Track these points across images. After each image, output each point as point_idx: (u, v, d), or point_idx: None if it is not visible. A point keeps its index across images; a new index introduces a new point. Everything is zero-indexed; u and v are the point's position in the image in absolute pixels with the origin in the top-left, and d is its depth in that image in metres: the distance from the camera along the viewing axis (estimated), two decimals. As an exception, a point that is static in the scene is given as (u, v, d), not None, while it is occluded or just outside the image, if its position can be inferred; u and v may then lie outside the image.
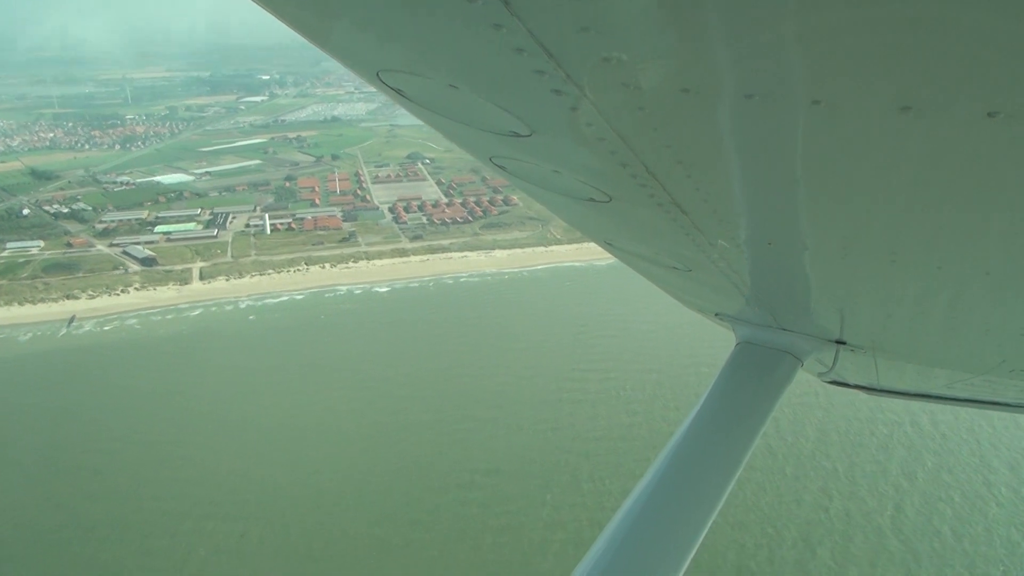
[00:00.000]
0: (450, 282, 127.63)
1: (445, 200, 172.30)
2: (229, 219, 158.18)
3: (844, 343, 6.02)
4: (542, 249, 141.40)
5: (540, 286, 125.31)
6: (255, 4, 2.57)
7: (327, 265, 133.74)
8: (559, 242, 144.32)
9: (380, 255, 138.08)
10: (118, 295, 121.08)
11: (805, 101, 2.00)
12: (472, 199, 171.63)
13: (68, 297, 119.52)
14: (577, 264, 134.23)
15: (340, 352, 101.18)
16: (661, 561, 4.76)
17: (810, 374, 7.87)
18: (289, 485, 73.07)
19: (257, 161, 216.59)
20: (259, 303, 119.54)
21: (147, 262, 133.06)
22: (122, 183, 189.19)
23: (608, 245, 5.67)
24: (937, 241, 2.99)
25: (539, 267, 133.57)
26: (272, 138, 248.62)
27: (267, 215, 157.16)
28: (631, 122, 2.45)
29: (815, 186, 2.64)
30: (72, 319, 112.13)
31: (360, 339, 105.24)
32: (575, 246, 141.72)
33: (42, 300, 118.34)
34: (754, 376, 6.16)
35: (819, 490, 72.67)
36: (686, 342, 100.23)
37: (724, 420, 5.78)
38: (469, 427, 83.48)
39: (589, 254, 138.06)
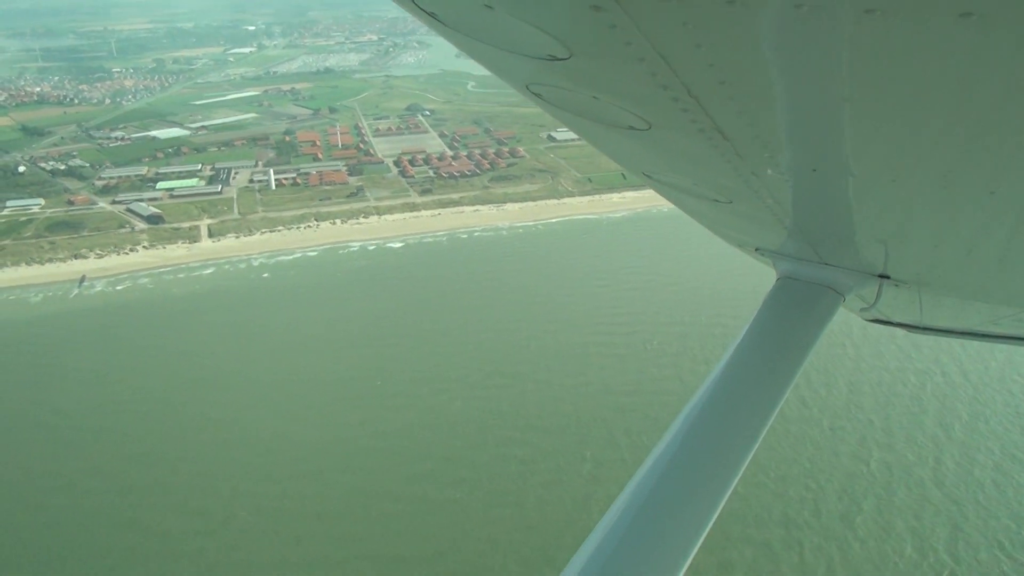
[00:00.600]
0: (464, 236, 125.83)
1: (451, 153, 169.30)
2: (232, 175, 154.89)
3: (888, 277, 5.98)
4: (554, 202, 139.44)
5: (556, 239, 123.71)
6: None
7: (337, 221, 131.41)
8: (571, 194, 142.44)
9: (390, 210, 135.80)
10: (127, 254, 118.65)
11: (858, 9, 1.87)
12: (478, 152, 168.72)
13: (76, 257, 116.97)
14: (591, 216, 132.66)
15: (360, 309, 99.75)
16: (697, 498, 4.76)
17: (850, 311, 7.80)
18: (325, 444, 72.31)
19: (253, 115, 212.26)
20: (272, 261, 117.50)
21: (153, 220, 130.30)
22: (117, 138, 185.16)
23: (647, 177, 5.49)
24: (993, 163, 2.82)
25: (553, 220, 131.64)
26: (266, 91, 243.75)
27: (271, 170, 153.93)
28: (673, 39, 2.35)
29: (864, 104, 2.52)
30: (83, 279, 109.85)
31: (379, 296, 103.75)
32: (587, 198, 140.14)
33: (49, 260, 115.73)
34: (795, 311, 6.07)
35: (857, 442, 72.68)
36: (708, 296, 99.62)
37: (764, 355, 5.71)
38: (500, 383, 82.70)
39: (602, 206, 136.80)
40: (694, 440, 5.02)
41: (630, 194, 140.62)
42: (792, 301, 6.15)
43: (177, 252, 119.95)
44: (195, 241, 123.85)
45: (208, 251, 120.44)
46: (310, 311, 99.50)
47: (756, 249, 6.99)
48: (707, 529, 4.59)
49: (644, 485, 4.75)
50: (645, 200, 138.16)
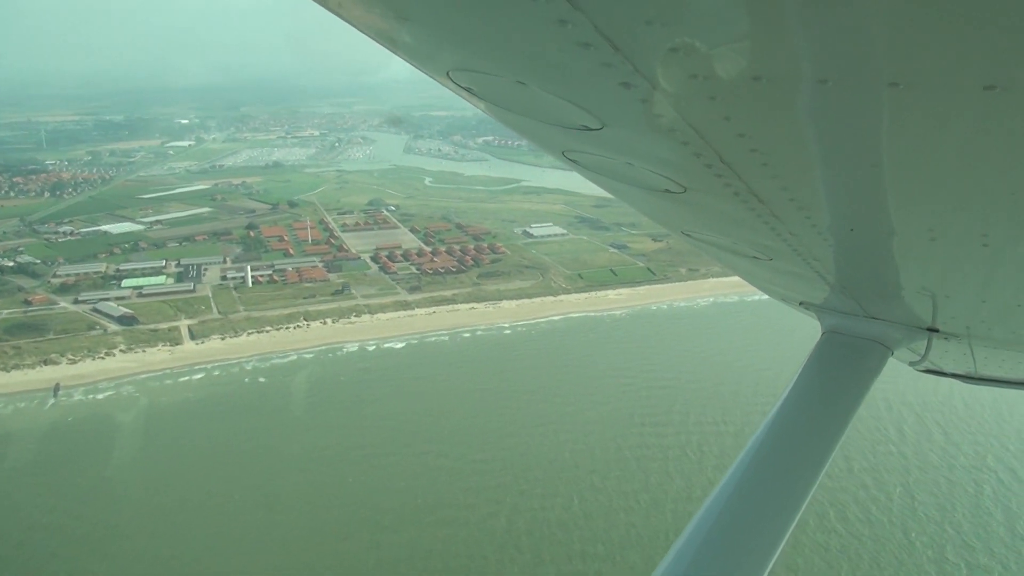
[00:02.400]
0: (467, 336, 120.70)
1: (429, 249, 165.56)
2: (202, 271, 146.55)
3: (937, 331, 5.90)
4: (551, 299, 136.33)
5: (562, 338, 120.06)
6: (326, 11, 2.64)
7: (328, 320, 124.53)
8: (566, 291, 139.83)
9: (382, 308, 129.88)
10: (103, 359, 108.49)
11: (882, 84, 1.93)
12: (457, 247, 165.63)
13: (45, 362, 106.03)
14: (591, 314, 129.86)
15: (376, 414, 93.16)
16: (745, 559, 4.67)
17: (901, 362, 7.62)
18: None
19: (207, 209, 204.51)
20: (266, 364, 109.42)
21: (125, 321, 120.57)
22: (65, 233, 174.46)
23: (686, 236, 5.46)
24: None
25: (554, 318, 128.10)
26: (215, 184, 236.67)
27: (248, 267, 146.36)
28: (702, 112, 2.45)
29: (896, 171, 2.61)
30: (58, 387, 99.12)
31: (391, 400, 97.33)
32: (583, 295, 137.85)
33: (16, 367, 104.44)
34: (841, 366, 6.03)
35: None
36: (730, 394, 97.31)
37: (811, 411, 5.66)
38: (542, 492, 77.39)
39: (600, 304, 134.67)
40: (738, 504, 4.95)
41: (625, 291, 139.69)
42: (839, 356, 6.15)
43: (159, 356, 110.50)
44: (177, 343, 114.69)
45: (193, 354, 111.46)
46: (321, 417, 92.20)
47: (800, 303, 6.93)
48: None
49: (689, 547, 4.67)
50: (640, 297, 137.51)
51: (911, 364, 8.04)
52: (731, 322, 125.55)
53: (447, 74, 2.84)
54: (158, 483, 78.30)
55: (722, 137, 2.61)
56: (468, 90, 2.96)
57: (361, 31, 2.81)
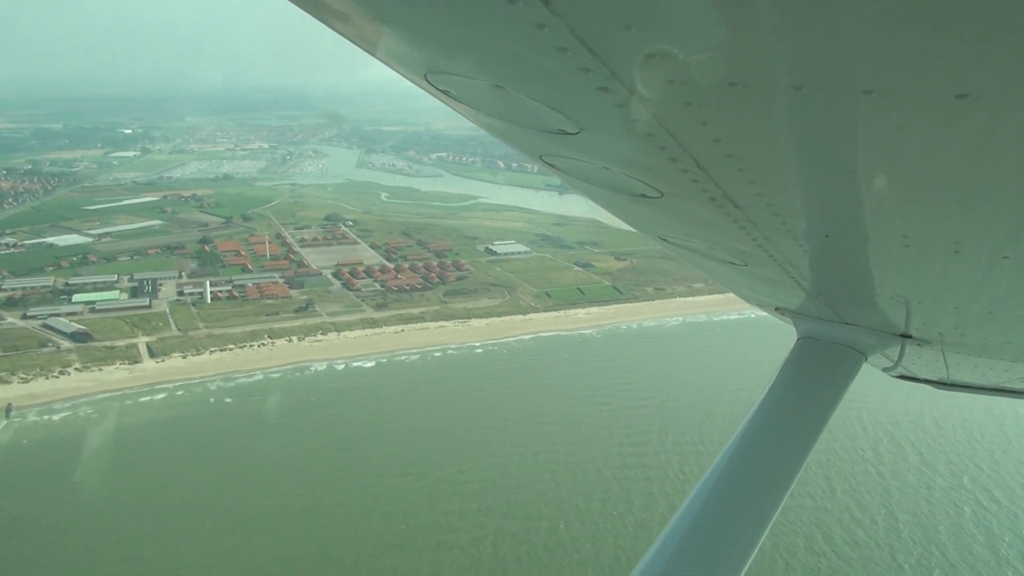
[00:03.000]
0: (439, 355, 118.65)
1: (392, 265, 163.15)
2: (158, 286, 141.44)
3: (910, 336, 5.96)
4: (520, 317, 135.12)
5: (535, 357, 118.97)
6: (303, 13, 2.63)
7: (293, 338, 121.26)
8: (535, 310, 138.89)
9: (348, 326, 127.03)
10: (57, 377, 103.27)
11: (855, 91, 1.96)
12: (421, 264, 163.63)
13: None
14: (562, 333, 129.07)
15: (351, 435, 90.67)
16: (722, 559, 4.74)
17: (875, 368, 7.76)
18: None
19: (157, 221, 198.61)
20: (231, 384, 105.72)
21: (79, 337, 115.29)
22: (7, 245, 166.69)
23: (663, 241, 5.50)
24: (1002, 230, 2.93)
25: (525, 337, 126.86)
26: (164, 196, 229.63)
27: (207, 282, 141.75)
28: (679, 118, 2.47)
29: (869, 177, 2.64)
30: (10, 408, 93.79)
31: (365, 420, 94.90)
32: (552, 314, 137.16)
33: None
34: (816, 371, 6.12)
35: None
36: (703, 413, 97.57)
37: (787, 415, 5.76)
38: (525, 515, 76.12)
39: (570, 323, 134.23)
40: (720, 499, 5.06)
41: (594, 310, 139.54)
42: (813, 361, 6.22)
43: (117, 375, 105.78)
44: (136, 362, 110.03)
45: (154, 373, 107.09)
46: (292, 438, 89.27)
47: (776, 309, 6.98)
48: None
49: (665, 548, 4.72)
50: (609, 316, 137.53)
51: (885, 370, 8.22)
52: (701, 342, 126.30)
53: (425, 76, 2.82)
54: (120, 510, 74.52)
55: (698, 142, 2.64)
56: (446, 93, 2.95)
57: (339, 33, 2.80)
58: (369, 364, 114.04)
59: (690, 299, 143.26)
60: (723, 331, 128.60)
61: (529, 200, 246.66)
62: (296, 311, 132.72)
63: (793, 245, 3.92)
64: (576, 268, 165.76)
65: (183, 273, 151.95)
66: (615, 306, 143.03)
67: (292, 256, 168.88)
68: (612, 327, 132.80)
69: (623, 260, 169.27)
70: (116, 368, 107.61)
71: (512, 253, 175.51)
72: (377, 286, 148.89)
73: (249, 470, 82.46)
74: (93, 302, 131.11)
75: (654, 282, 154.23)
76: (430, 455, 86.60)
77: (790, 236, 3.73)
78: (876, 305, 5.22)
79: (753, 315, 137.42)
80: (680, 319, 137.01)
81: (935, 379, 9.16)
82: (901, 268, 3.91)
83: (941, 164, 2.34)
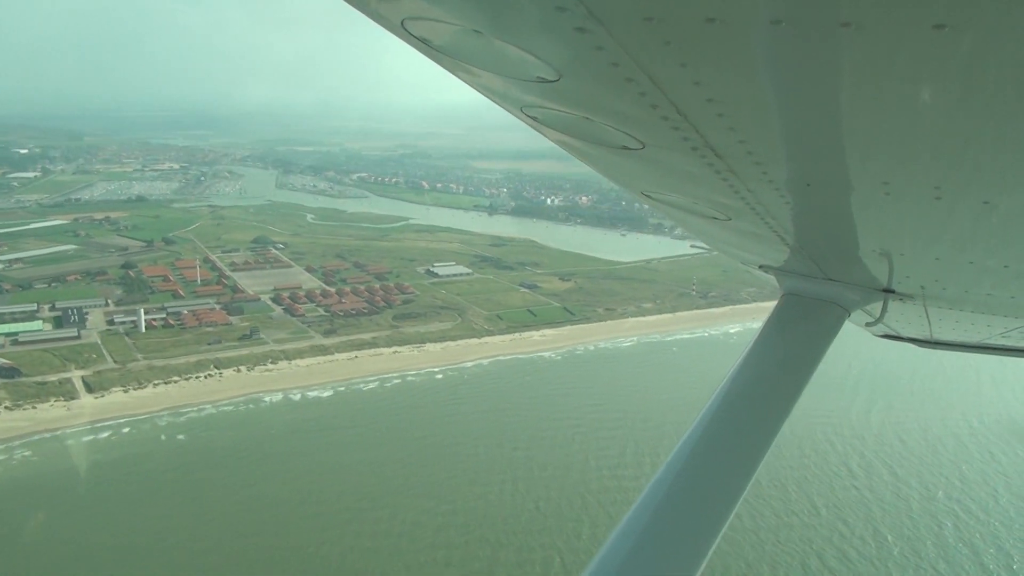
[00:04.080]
0: (397, 381, 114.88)
1: (333, 289, 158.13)
2: (84, 315, 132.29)
3: (892, 291, 6.07)
4: (475, 341, 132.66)
5: (498, 382, 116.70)
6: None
7: (242, 368, 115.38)
8: (489, 332, 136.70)
9: (299, 354, 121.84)
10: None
11: (833, 24, 1.90)
12: (362, 287, 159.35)
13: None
14: (521, 356, 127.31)
15: (319, 469, 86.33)
16: (704, 513, 4.86)
17: (858, 326, 7.93)
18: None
19: (72, 246, 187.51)
20: (181, 419, 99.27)
21: (5, 372, 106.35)
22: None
23: (646, 196, 5.51)
24: (982, 173, 2.87)
25: (484, 361, 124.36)
26: (76, 219, 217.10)
27: (141, 310, 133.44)
28: (657, 59, 2.41)
29: (850, 119, 2.60)
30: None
31: (331, 452, 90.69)
32: (509, 337, 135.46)
33: None
34: (800, 327, 6.21)
35: None
36: (687, 427, 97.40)
37: (770, 371, 5.80)
38: (518, 546, 74.11)
39: (527, 346, 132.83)
40: (703, 453, 5.16)
41: (549, 331, 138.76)
42: (797, 317, 6.27)
43: (53, 413, 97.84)
44: (72, 398, 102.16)
45: (94, 409, 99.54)
46: (258, 474, 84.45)
47: (760, 266, 7.01)
48: (716, 540, 4.66)
49: (653, 496, 4.84)
50: (565, 338, 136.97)
51: (867, 326, 8.09)
52: (659, 359, 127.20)
53: (402, 24, 2.76)
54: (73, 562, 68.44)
55: (678, 86, 2.59)
56: (424, 41, 2.89)
57: None
58: (327, 393, 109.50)
59: (642, 319, 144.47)
60: (679, 349, 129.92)
61: (459, 221, 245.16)
62: (240, 339, 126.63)
63: (775, 196, 3.85)
64: (523, 289, 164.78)
65: (109, 301, 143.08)
66: (569, 327, 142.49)
67: (225, 281, 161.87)
68: (569, 349, 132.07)
69: (567, 281, 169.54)
70: (51, 405, 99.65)
71: (454, 275, 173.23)
72: (321, 311, 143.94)
73: (215, 510, 77.29)
74: (15, 333, 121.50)
75: (602, 302, 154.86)
76: (408, 488, 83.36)
77: (772, 186, 3.66)
78: (859, 259, 5.23)
79: (706, 333, 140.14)
80: (635, 339, 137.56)
81: (918, 337, 9.16)
82: (883, 217, 3.86)
83: (919, 102, 2.26)
